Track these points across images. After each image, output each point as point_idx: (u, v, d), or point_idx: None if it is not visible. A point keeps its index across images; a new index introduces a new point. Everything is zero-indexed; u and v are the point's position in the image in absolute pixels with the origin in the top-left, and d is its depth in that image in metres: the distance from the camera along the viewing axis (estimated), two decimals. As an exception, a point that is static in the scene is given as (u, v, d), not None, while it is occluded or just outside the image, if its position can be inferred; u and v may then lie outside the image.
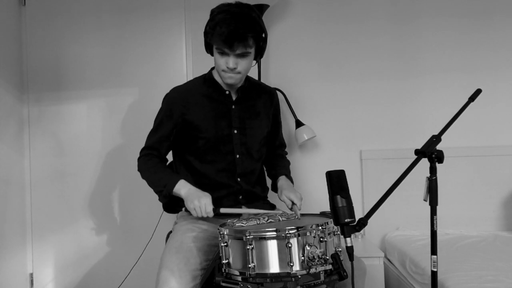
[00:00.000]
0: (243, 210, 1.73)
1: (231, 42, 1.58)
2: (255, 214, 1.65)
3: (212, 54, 1.72)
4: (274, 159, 1.99)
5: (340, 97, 2.70)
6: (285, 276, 1.26)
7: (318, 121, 2.66)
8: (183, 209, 1.67)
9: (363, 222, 1.15)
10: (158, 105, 1.82)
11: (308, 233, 1.28)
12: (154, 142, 1.79)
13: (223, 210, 1.62)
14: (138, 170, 1.79)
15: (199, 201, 1.58)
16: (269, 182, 1.96)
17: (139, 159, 1.81)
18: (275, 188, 1.88)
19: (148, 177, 1.76)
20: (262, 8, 2.45)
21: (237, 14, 1.59)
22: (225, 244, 1.36)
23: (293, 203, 1.70)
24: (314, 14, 2.71)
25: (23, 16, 2.72)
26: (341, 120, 2.70)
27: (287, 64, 2.70)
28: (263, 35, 1.67)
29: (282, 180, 1.85)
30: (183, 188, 1.65)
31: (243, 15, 1.59)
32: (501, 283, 1.68)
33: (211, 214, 1.58)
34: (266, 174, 1.98)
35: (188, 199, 1.61)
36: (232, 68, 1.64)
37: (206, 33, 1.68)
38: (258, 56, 1.73)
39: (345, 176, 1.20)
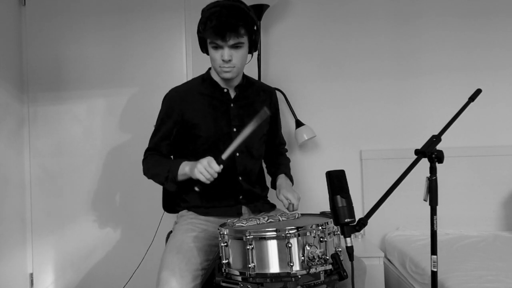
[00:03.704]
0: (238, 141, 1.60)
1: (223, 33, 1.60)
2: (254, 210, 1.64)
3: (207, 53, 1.73)
4: (275, 157, 2.01)
5: (340, 97, 2.70)
6: (285, 276, 1.26)
7: (318, 121, 2.65)
8: (198, 194, 1.63)
9: (363, 222, 1.15)
10: (158, 105, 1.82)
11: (308, 233, 1.28)
12: (155, 143, 1.81)
13: (224, 156, 1.59)
14: (143, 173, 1.79)
15: (201, 163, 1.55)
16: (268, 179, 1.97)
17: (142, 161, 1.81)
18: (274, 186, 1.89)
19: (152, 173, 1.75)
20: (262, 8, 2.44)
21: (226, 6, 1.63)
22: (225, 244, 1.36)
23: (290, 203, 1.70)
24: (314, 14, 2.71)
25: (23, 16, 2.71)
26: (341, 120, 2.69)
27: (287, 64, 2.70)
28: (255, 27, 1.69)
29: (282, 179, 1.86)
30: (186, 166, 1.65)
31: (232, 7, 1.63)
32: (501, 283, 1.68)
33: (217, 167, 1.55)
34: (266, 172, 1.99)
35: (192, 169, 1.58)
36: (227, 60, 1.65)
37: (198, 31, 1.70)
38: (252, 49, 1.75)
39: (345, 176, 1.20)
